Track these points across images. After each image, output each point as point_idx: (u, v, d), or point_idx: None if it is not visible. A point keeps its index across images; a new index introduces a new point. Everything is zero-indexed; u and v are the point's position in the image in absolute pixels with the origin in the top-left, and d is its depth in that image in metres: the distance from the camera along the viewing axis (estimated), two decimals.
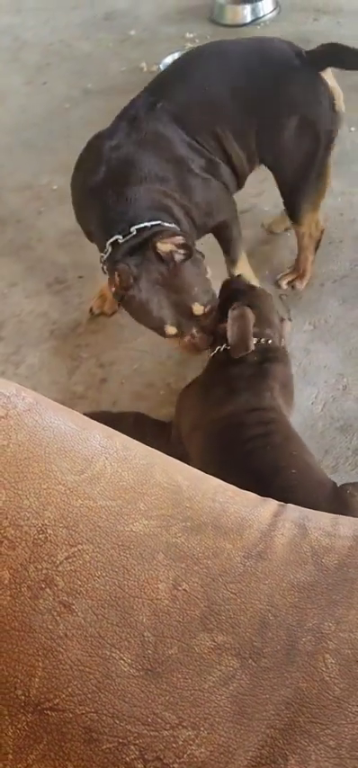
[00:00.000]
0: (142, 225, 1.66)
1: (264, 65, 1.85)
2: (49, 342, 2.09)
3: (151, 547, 0.64)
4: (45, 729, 0.55)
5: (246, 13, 3.47)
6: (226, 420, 1.51)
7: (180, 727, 0.57)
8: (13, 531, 0.60)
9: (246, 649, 0.61)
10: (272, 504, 0.76)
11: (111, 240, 1.67)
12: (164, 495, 0.68)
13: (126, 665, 0.58)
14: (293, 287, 2.13)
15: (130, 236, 1.66)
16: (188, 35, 3.49)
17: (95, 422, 0.75)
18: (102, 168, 1.74)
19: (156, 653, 0.59)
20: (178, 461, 0.77)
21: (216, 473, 1.46)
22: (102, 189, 1.72)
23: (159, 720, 0.57)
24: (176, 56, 3.14)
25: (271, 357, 1.64)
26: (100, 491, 0.65)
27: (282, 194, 2.00)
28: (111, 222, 1.69)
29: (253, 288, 1.82)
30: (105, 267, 1.72)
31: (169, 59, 3.13)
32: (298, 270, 2.13)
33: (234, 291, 1.76)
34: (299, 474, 1.39)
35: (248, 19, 3.45)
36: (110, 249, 1.68)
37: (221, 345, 1.66)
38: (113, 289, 1.66)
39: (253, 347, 1.60)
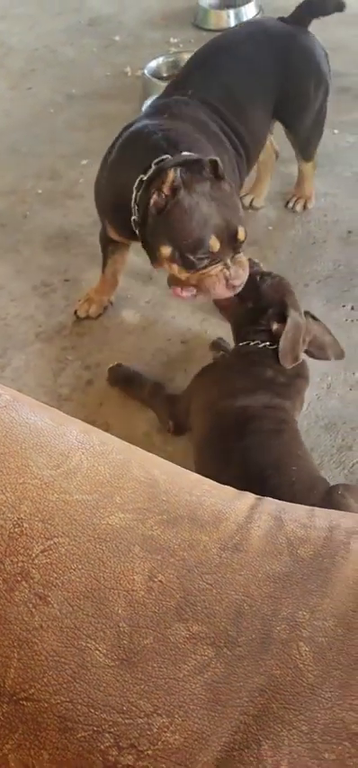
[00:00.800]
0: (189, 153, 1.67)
1: (273, 41, 2.08)
2: (35, 344, 2.09)
3: (127, 539, 0.65)
4: (20, 719, 0.56)
5: (230, 17, 3.49)
6: (239, 410, 1.53)
7: (154, 714, 0.57)
8: None
9: (221, 638, 0.62)
10: (249, 498, 0.77)
11: (158, 159, 1.64)
12: (140, 489, 0.69)
13: (101, 655, 0.59)
14: (306, 207, 2.42)
15: (177, 157, 1.64)
16: (172, 40, 3.51)
17: (73, 418, 0.76)
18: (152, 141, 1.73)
19: (132, 643, 0.60)
20: (156, 456, 0.78)
21: (216, 456, 1.49)
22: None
23: (134, 709, 0.57)
24: (161, 60, 3.17)
25: (302, 372, 1.66)
26: (76, 485, 0.66)
27: (299, 142, 2.27)
28: (156, 148, 1.68)
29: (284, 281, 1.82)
30: (147, 184, 1.64)
31: (153, 64, 3.15)
32: (306, 194, 2.43)
33: (279, 286, 1.75)
34: (299, 472, 1.41)
35: (232, 23, 3.47)
36: (154, 168, 1.63)
37: (261, 342, 1.65)
38: (158, 194, 1.57)
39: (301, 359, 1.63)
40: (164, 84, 3.01)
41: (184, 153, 1.65)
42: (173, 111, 1.84)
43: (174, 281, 1.70)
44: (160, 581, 0.64)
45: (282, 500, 0.79)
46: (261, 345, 1.65)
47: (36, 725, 0.55)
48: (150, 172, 1.63)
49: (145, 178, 1.64)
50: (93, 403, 1.91)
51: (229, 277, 1.63)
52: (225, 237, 1.60)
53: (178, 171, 1.56)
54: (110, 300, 2.17)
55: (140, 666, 0.59)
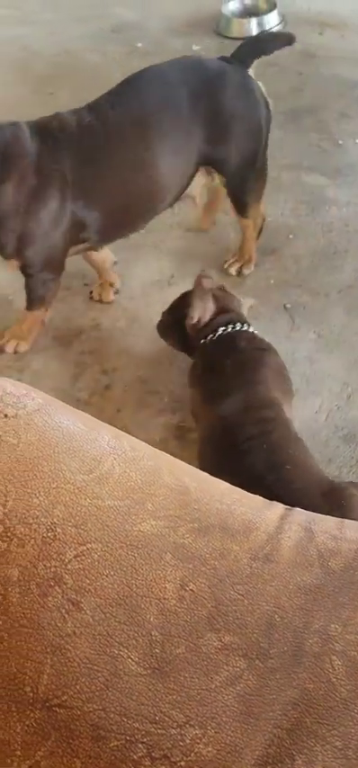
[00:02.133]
0: None
1: (202, 80, 1.91)
2: (54, 348, 2.09)
3: (159, 547, 0.64)
4: (53, 726, 0.55)
5: (252, 26, 3.49)
6: (221, 423, 1.52)
7: (187, 725, 0.57)
8: (22, 529, 0.61)
9: (253, 650, 0.62)
10: (279, 508, 0.76)
11: None
12: (171, 496, 0.69)
13: (134, 663, 0.58)
14: (241, 273, 2.21)
15: None
16: (194, 47, 3.51)
17: (103, 423, 0.76)
18: None
19: (164, 652, 0.60)
20: (185, 463, 0.77)
21: (213, 474, 1.49)
22: None
23: (166, 719, 0.57)
24: None
25: (258, 345, 1.68)
26: (108, 491, 0.65)
27: (230, 193, 2.06)
28: None
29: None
30: None
31: None
32: (243, 257, 2.21)
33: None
34: (294, 470, 1.39)
35: (254, 32, 3.46)
36: None
37: (206, 337, 1.70)
38: None
39: (212, 309, 1.71)
40: None
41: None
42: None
43: None
44: (192, 590, 0.63)
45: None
46: (208, 339, 1.71)
47: (69, 732, 0.55)
48: None
49: None
50: (111, 408, 1.90)
51: None
52: None
53: None
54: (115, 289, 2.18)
55: (173, 676, 0.59)
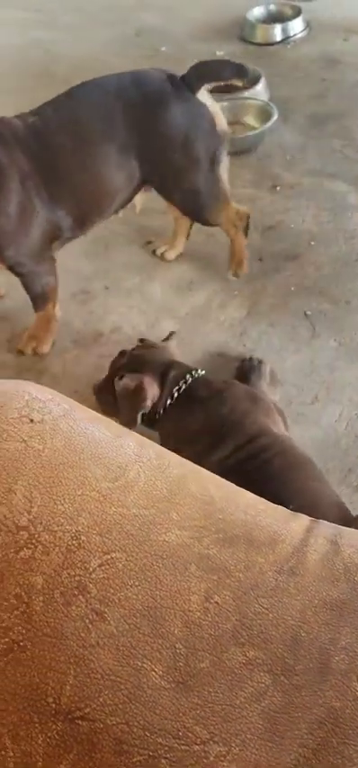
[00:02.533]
0: None
1: (140, 95, 1.89)
2: (72, 351, 2.09)
3: (184, 558, 0.63)
4: (75, 739, 0.54)
5: (277, 32, 3.48)
6: (220, 469, 1.46)
7: (211, 742, 0.56)
8: (47, 537, 0.60)
9: (278, 666, 0.60)
10: (305, 520, 0.75)
11: None
12: (196, 506, 0.68)
13: (157, 676, 0.57)
14: (237, 275, 2.20)
15: None
16: (218, 53, 3.51)
17: (128, 430, 0.75)
18: None
19: (188, 666, 0.58)
20: (209, 472, 0.76)
21: None
22: None
23: (190, 735, 0.56)
24: None
25: (219, 387, 1.61)
26: (133, 499, 0.65)
27: (183, 212, 2.12)
28: None
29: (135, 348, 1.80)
30: None
31: None
32: (235, 259, 2.20)
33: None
34: (302, 501, 1.33)
35: (278, 38, 3.46)
36: None
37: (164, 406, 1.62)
38: None
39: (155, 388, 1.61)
40: None
41: None
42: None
43: None
44: (216, 602, 0.62)
45: None
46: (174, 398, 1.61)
47: (91, 746, 0.54)
48: None
49: None
50: None
51: None
52: None
53: None
54: None
55: (196, 690, 0.58)
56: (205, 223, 2.13)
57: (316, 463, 1.49)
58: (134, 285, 2.24)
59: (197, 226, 2.46)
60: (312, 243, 2.35)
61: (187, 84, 1.93)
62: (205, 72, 1.94)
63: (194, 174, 1.98)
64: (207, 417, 1.55)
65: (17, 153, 1.82)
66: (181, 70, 3.38)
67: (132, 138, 1.88)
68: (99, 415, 0.75)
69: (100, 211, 1.99)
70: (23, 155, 1.82)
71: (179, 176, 1.98)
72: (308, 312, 2.10)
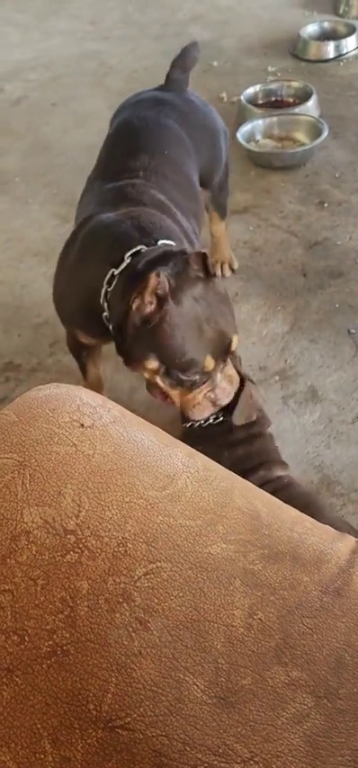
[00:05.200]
0: (166, 241, 1.47)
1: (178, 110, 1.94)
2: (114, 358, 2.10)
3: (228, 571, 0.63)
4: (115, 748, 0.54)
5: (330, 49, 3.47)
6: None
7: (251, 762, 0.55)
8: (94, 542, 0.60)
9: (322, 688, 0.59)
10: (351, 541, 0.74)
11: (133, 251, 1.42)
12: (243, 520, 0.67)
13: (199, 690, 0.57)
14: (224, 273, 2.31)
15: (155, 248, 1.42)
16: (270, 68, 3.51)
17: (176, 440, 0.74)
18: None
19: (230, 682, 0.58)
20: (256, 487, 0.75)
21: None
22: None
23: (230, 752, 0.55)
24: (258, 88, 3.17)
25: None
26: (180, 509, 0.64)
27: (218, 203, 2.18)
28: (128, 238, 1.46)
29: None
30: (120, 285, 1.41)
31: (251, 91, 3.16)
32: (224, 258, 2.32)
33: None
34: None
35: (331, 55, 3.44)
36: (128, 261, 1.41)
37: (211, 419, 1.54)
38: (140, 300, 1.32)
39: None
40: (259, 111, 3.03)
41: (161, 242, 1.45)
42: (131, 196, 1.61)
43: (153, 387, 1.50)
44: (260, 619, 0.61)
45: None
46: (211, 421, 1.54)
47: (130, 756, 0.53)
48: (123, 265, 1.41)
49: (117, 272, 1.42)
50: (166, 424, 1.89)
51: (216, 399, 1.45)
52: (219, 352, 1.40)
53: (161, 275, 1.30)
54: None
55: (238, 708, 0.57)
56: (224, 214, 2.24)
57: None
58: None
59: (243, 238, 2.46)
60: None
61: (179, 87, 2.04)
62: (184, 67, 2.06)
63: (225, 155, 2.11)
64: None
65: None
66: (232, 85, 3.41)
67: (191, 148, 1.92)
68: (148, 423, 0.75)
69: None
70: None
71: (219, 161, 2.09)
72: (353, 330, 2.08)
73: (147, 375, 1.45)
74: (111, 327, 1.48)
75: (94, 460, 0.64)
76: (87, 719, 0.54)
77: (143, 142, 1.79)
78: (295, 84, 3.19)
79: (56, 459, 0.64)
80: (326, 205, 2.59)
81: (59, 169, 2.98)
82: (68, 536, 0.60)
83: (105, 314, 1.47)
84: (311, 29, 3.65)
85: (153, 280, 1.29)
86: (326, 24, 3.69)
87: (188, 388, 1.42)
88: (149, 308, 1.33)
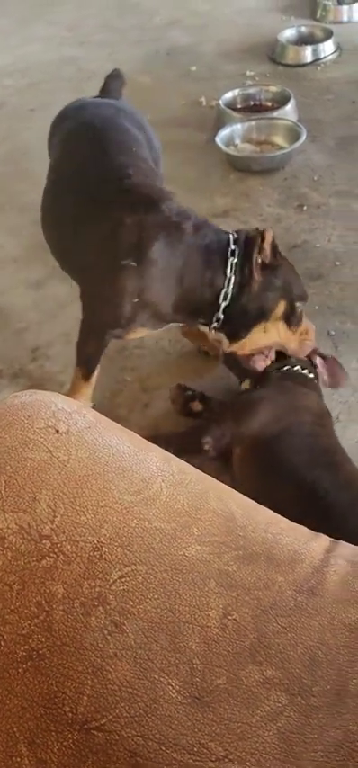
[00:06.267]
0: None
1: (131, 113, 2.08)
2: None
3: (203, 573, 0.64)
4: (91, 749, 0.55)
5: (307, 53, 3.50)
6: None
7: (226, 760, 0.56)
8: (69, 546, 0.60)
9: (296, 686, 0.60)
10: (324, 540, 0.75)
11: (233, 238, 1.73)
12: (217, 522, 0.68)
13: (174, 691, 0.57)
14: None
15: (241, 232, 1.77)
16: (248, 73, 3.53)
17: (153, 444, 0.75)
18: None
19: (205, 681, 0.59)
20: (232, 489, 0.76)
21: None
22: None
23: (205, 751, 0.56)
24: (236, 92, 3.20)
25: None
26: (155, 513, 0.65)
27: None
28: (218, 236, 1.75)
29: None
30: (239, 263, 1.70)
31: (229, 95, 3.18)
32: None
33: None
34: None
35: (309, 59, 3.48)
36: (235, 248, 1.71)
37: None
38: (261, 256, 1.67)
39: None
40: (238, 116, 3.04)
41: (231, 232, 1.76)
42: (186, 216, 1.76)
43: (245, 355, 1.80)
44: (235, 619, 0.62)
45: None
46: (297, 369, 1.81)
47: (106, 757, 0.54)
48: (237, 249, 1.70)
49: (235, 260, 1.69)
50: (149, 426, 1.90)
51: (307, 339, 1.82)
52: None
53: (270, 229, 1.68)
54: None
55: (213, 707, 0.58)
56: None
57: None
58: None
59: None
60: (337, 263, 2.35)
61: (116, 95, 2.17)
62: (114, 81, 2.22)
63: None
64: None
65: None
66: (211, 90, 3.42)
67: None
68: (124, 428, 0.76)
69: None
70: None
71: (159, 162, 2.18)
72: (332, 332, 2.10)
73: (270, 332, 1.76)
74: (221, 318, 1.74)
75: (69, 466, 0.65)
76: (63, 722, 0.55)
77: (116, 141, 1.86)
78: (273, 88, 3.22)
79: (31, 466, 0.64)
80: (304, 208, 2.61)
81: (38, 175, 2.97)
82: (44, 541, 0.61)
83: (225, 303, 1.71)
84: (289, 33, 3.68)
85: (269, 234, 1.67)
86: (303, 29, 3.73)
87: (296, 325, 1.77)
88: (270, 258, 1.69)
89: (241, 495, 0.76)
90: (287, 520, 0.76)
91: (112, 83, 2.18)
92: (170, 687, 0.58)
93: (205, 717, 0.57)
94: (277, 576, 0.67)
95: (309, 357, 1.83)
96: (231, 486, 0.77)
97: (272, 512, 0.77)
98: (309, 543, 0.73)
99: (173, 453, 0.75)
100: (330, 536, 0.77)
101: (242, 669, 0.60)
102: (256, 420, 1.68)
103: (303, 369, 1.80)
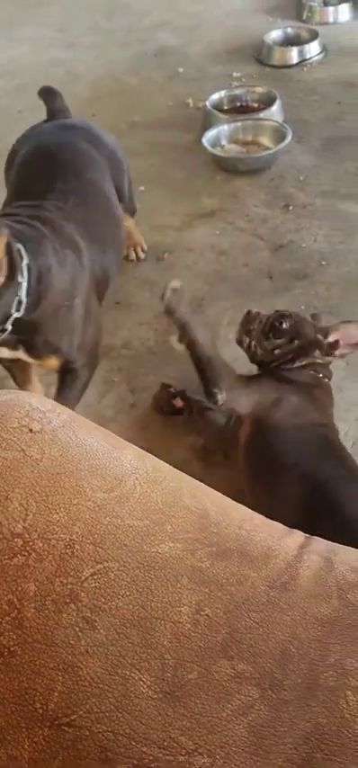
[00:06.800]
0: None
1: (91, 133, 2.15)
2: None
3: (176, 569, 0.64)
4: (61, 745, 0.55)
5: (293, 55, 3.52)
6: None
7: (196, 753, 0.56)
8: (41, 544, 0.61)
9: (267, 680, 0.61)
10: (299, 536, 0.75)
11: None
12: (191, 519, 0.69)
13: (145, 686, 0.58)
14: (138, 256, 2.51)
15: None
16: (235, 74, 3.54)
17: (127, 442, 0.76)
18: None
19: (176, 676, 0.59)
20: (206, 486, 0.77)
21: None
22: None
23: (175, 745, 0.56)
24: (223, 93, 3.21)
25: None
26: (128, 510, 0.66)
27: (127, 208, 2.34)
28: None
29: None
30: None
31: (216, 96, 3.19)
32: (136, 243, 2.52)
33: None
34: None
35: (295, 60, 3.49)
36: None
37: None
38: None
39: None
40: (225, 117, 3.05)
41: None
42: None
43: None
44: (207, 615, 0.63)
45: None
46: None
47: (76, 752, 0.55)
48: None
49: None
50: (136, 426, 1.91)
51: None
52: None
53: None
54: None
55: (183, 701, 0.58)
56: (134, 212, 2.46)
57: None
58: (145, 300, 2.26)
59: (209, 242, 2.48)
60: (323, 263, 2.36)
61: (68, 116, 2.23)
62: (54, 98, 2.24)
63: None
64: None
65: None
66: (198, 91, 3.43)
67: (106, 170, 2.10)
68: (99, 426, 0.77)
69: None
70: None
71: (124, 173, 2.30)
72: None
73: None
74: None
75: (42, 464, 0.65)
76: (34, 718, 0.56)
77: (65, 167, 1.91)
78: (259, 89, 3.23)
79: (3, 465, 0.65)
80: (291, 208, 2.62)
81: None
82: (15, 539, 0.61)
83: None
84: (275, 34, 3.69)
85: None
86: (289, 30, 3.74)
87: None
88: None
89: (216, 492, 0.77)
90: (262, 516, 0.77)
91: (54, 103, 2.19)
92: (141, 683, 0.58)
93: (175, 711, 0.58)
94: (250, 571, 0.68)
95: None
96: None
97: (247, 508, 0.78)
98: (283, 539, 0.73)
99: None
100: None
101: (213, 664, 0.61)
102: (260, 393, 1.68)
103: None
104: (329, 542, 0.76)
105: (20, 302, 1.55)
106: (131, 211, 2.42)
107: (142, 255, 2.51)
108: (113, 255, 1.99)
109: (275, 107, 3.04)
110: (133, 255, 2.51)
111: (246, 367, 2.00)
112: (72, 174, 1.90)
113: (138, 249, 2.52)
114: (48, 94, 2.20)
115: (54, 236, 1.70)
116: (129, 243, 2.47)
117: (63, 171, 1.89)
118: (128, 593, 0.61)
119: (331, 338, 1.71)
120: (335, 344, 1.70)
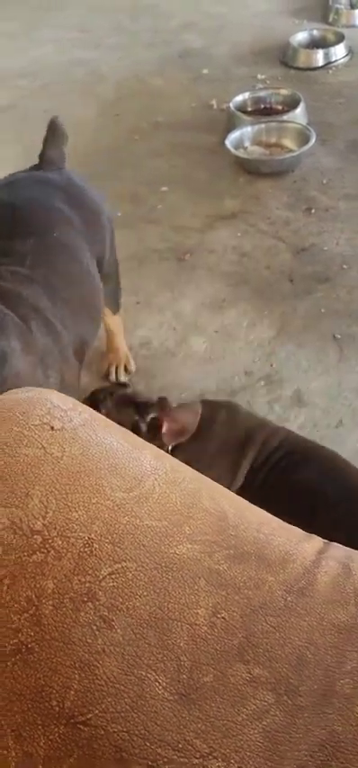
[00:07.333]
0: None
1: (73, 191, 1.81)
2: (101, 363, 2.12)
3: (193, 571, 0.64)
4: (77, 743, 0.55)
5: (319, 57, 3.50)
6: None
7: (210, 756, 0.56)
8: (60, 542, 0.61)
9: (282, 685, 0.61)
10: (317, 541, 0.75)
11: None
12: (209, 521, 0.69)
13: (160, 687, 0.58)
14: (118, 378, 2.10)
15: None
16: (259, 76, 3.54)
17: (146, 442, 0.76)
18: None
19: (192, 679, 0.59)
20: (225, 488, 0.77)
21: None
22: None
23: (190, 747, 0.56)
24: (247, 95, 3.20)
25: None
26: (147, 510, 0.66)
27: (107, 293, 1.90)
28: None
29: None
30: None
31: (240, 98, 3.19)
32: (118, 360, 2.14)
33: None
34: None
35: (320, 63, 3.48)
36: None
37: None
38: None
39: None
40: (248, 119, 3.05)
41: None
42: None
43: None
44: (223, 618, 0.63)
45: None
46: None
47: (91, 751, 0.55)
48: None
49: None
50: None
51: None
52: None
53: None
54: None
55: (199, 704, 0.58)
56: (118, 306, 2.07)
57: None
58: (165, 301, 2.26)
59: (231, 243, 2.47)
60: (345, 266, 2.35)
61: (58, 167, 1.86)
62: (54, 141, 1.89)
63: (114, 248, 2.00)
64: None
65: None
66: (222, 92, 3.43)
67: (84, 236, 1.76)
68: (119, 426, 0.77)
69: None
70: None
71: (112, 251, 1.96)
72: (338, 335, 2.10)
73: None
74: None
75: (63, 462, 0.66)
76: (50, 716, 0.56)
77: (27, 226, 1.63)
78: (283, 91, 3.22)
79: (24, 462, 0.65)
80: (313, 211, 2.61)
81: None
82: (35, 536, 0.61)
83: None
84: (301, 37, 3.68)
85: None
86: (315, 32, 3.73)
87: None
88: None
89: (234, 495, 0.77)
90: (279, 520, 0.76)
91: (49, 148, 1.86)
92: (157, 684, 0.58)
93: (191, 714, 0.58)
94: (268, 575, 0.67)
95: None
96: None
97: (265, 512, 0.77)
98: (301, 544, 0.73)
99: None
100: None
101: (229, 667, 0.60)
102: None
103: None
104: (348, 549, 0.76)
105: None
106: (111, 303, 1.98)
107: (125, 379, 2.07)
108: (88, 322, 1.70)
109: (299, 109, 3.03)
110: (113, 375, 2.08)
111: (263, 371, 2.01)
112: (34, 232, 1.62)
113: (120, 369, 2.09)
114: (50, 132, 1.90)
115: (13, 309, 1.45)
116: (110, 356, 2.11)
117: (23, 230, 1.62)
118: (145, 593, 0.62)
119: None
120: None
